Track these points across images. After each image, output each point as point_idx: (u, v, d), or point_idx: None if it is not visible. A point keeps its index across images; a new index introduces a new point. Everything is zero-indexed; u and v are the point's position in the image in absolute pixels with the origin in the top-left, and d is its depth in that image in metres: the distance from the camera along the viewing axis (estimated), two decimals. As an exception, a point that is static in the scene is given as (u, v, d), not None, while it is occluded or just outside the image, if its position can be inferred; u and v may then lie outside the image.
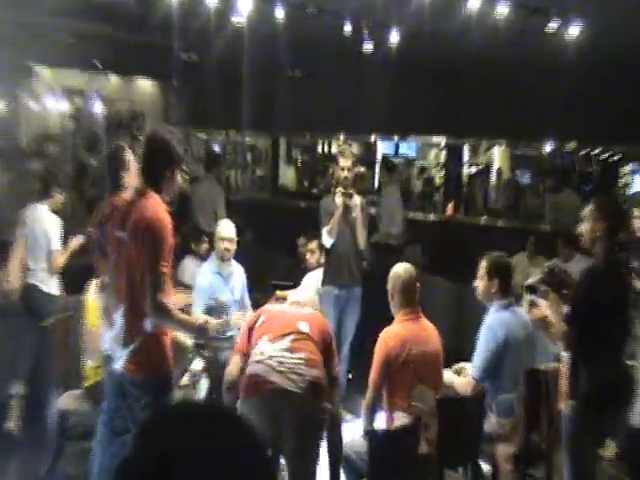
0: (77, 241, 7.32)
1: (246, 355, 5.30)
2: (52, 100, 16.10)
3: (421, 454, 4.64)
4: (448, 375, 5.80)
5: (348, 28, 10.65)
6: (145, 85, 18.01)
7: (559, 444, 6.03)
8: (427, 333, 5.54)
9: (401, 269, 5.74)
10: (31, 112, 15.51)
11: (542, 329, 7.50)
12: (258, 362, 5.04)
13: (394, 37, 10.85)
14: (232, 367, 5.35)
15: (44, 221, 7.22)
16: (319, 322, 5.42)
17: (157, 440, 1.23)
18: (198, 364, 6.63)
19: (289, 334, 5.18)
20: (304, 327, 5.26)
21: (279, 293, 8.56)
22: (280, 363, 4.96)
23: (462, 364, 5.88)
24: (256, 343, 5.27)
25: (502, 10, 8.81)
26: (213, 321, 6.10)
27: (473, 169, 18.32)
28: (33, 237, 7.20)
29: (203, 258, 8.41)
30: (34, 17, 11.71)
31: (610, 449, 5.44)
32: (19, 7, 10.93)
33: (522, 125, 13.14)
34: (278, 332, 5.22)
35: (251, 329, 5.47)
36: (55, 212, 7.38)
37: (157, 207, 4.52)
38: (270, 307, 5.74)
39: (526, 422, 5.45)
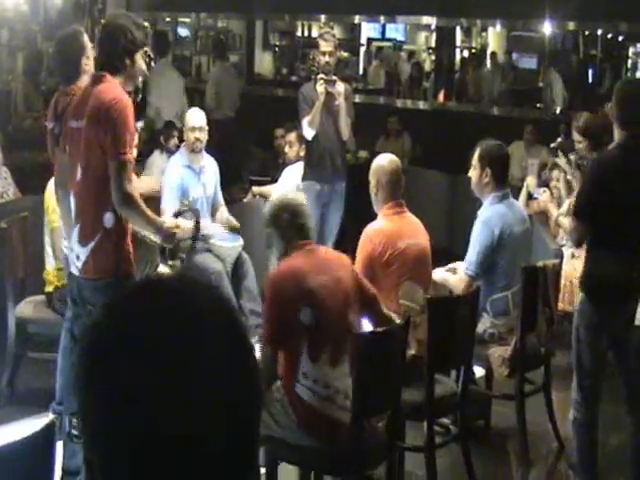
0: None
1: (279, 347, 4.42)
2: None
3: (410, 355, 4.62)
4: (441, 272, 5.76)
5: None
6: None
7: (558, 346, 6.08)
8: (413, 228, 5.48)
9: (385, 160, 5.63)
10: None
11: (541, 224, 7.52)
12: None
13: None
14: (264, 365, 4.26)
15: None
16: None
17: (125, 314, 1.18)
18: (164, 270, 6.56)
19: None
20: None
21: (255, 189, 8.50)
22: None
23: (457, 263, 5.85)
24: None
25: None
26: (184, 224, 6.05)
27: (466, 53, 18.10)
28: None
29: (172, 153, 8.30)
30: None
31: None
32: None
33: (519, 3, 12.89)
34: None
35: (285, 315, 4.38)
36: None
37: (116, 90, 4.44)
38: (309, 279, 4.39)
39: (523, 323, 5.43)
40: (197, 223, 6.51)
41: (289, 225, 4.50)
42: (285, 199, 4.70)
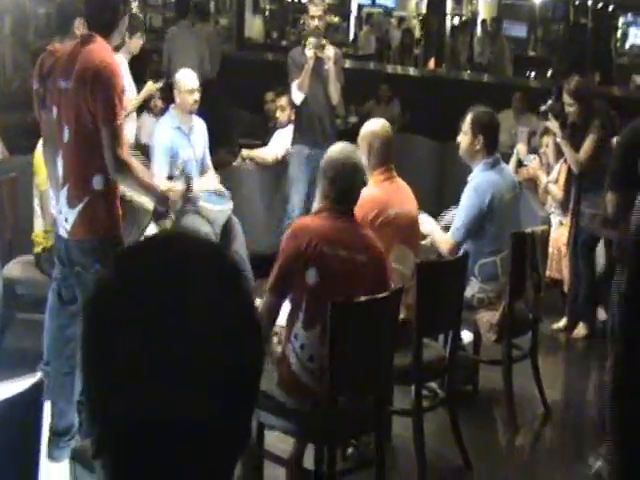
0: None
1: (281, 299, 4.39)
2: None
3: (399, 320, 4.60)
4: (431, 224, 5.69)
5: None
6: None
7: (545, 313, 6.09)
8: (403, 194, 5.44)
9: (377, 125, 5.56)
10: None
11: (530, 190, 7.52)
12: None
13: None
14: (265, 312, 4.31)
15: None
16: None
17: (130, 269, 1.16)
18: (153, 230, 6.52)
19: None
20: None
21: (245, 152, 8.46)
22: None
23: (448, 217, 5.84)
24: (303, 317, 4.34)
25: None
26: (176, 188, 6.01)
27: (456, 20, 18.05)
28: None
29: (157, 115, 8.27)
30: None
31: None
32: None
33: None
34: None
35: (292, 270, 4.32)
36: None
37: (105, 52, 4.38)
38: (324, 245, 4.31)
39: (511, 288, 5.44)
40: (188, 187, 6.50)
41: (335, 186, 4.41)
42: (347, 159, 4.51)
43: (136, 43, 7.72)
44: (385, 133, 5.49)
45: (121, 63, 7.29)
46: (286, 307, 4.44)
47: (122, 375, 1.08)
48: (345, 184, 4.41)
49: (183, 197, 6.33)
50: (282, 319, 4.45)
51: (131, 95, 7.21)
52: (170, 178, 6.68)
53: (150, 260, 1.13)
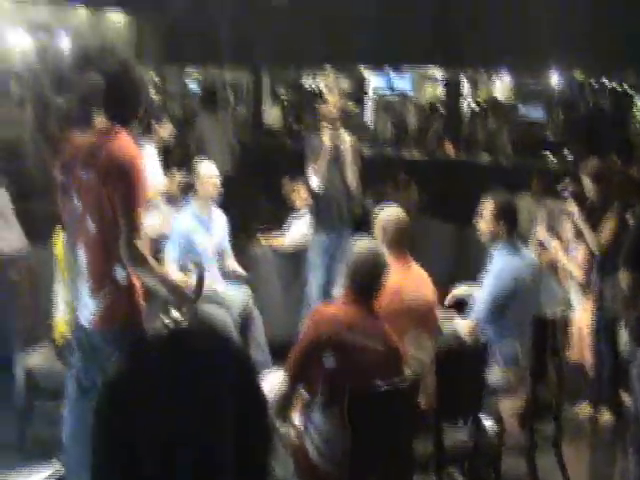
0: None
1: (298, 384, 4.48)
2: (15, 36, 15.91)
3: (418, 406, 4.58)
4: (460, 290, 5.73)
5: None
6: (116, 18, 17.79)
7: (568, 397, 6.04)
8: (419, 280, 5.46)
9: (390, 212, 5.63)
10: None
11: (551, 272, 7.52)
12: None
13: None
14: (281, 398, 4.44)
15: None
16: None
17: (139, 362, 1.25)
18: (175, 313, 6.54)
19: None
20: None
21: (263, 239, 8.53)
22: None
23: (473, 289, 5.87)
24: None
25: None
26: (189, 280, 6.00)
27: (473, 103, 18.22)
28: None
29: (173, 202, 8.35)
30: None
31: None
32: None
33: (525, 54, 13.00)
34: None
35: (311, 357, 4.42)
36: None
37: (126, 144, 4.45)
38: (343, 332, 4.45)
39: (532, 373, 5.41)
40: (200, 280, 6.52)
41: (357, 279, 4.54)
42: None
43: (164, 130, 7.87)
44: (398, 220, 5.54)
45: (149, 152, 7.46)
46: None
47: (130, 459, 1.10)
48: (368, 278, 4.56)
49: (195, 291, 6.34)
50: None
51: (158, 183, 7.31)
52: (184, 268, 6.71)
53: (163, 353, 1.16)
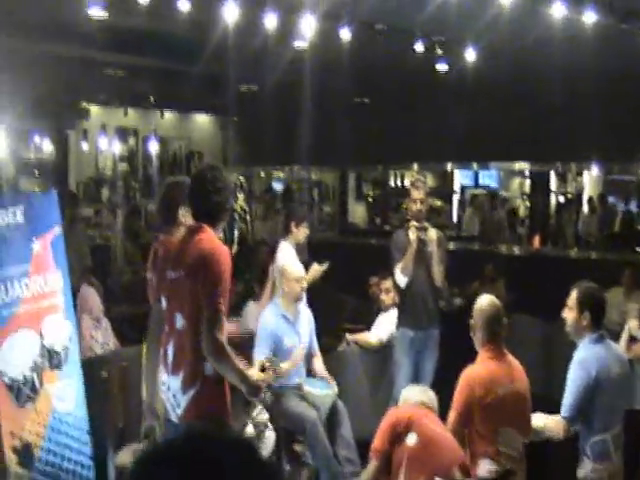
0: None
1: (385, 463, 5.05)
2: (104, 141, 16.48)
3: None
4: (538, 416, 5.74)
5: (420, 47, 10.62)
6: (202, 121, 18.31)
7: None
8: (513, 372, 5.52)
9: (486, 302, 5.74)
10: (82, 154, 15.90)
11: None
12: None
13: (470, 55, 10.78)
14: (369, 476, 5.11)
15: None
16: None
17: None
18: (262, 414, 6.68)
19: None
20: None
21: (349, 337, 8.63)
22: None
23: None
24: (404, 476, 4.90)
25: (586, 18, 8.68)
26: (267, 377, 6.13)
27: (561, 198, 18.22)
28: None
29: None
30: (83, 50, 11.94)
31: None
32: (67, 40, 11.16)
33: (614, 146, 13.03)
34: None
35: (395, 434, 5.13)
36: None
37: (213, 240, 4.66)
38: (423, 418, 5.21)
39: (625, 468, 5.38)
40: (275, 371, 6.65)
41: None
42: None
43: (302, 232, 8.16)
44: (492, 309, 5.64)
45: (287, 250, 7.78)
46: None
47: None
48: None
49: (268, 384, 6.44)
50: None
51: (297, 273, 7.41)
52: (264, 369, 6.82)
53: (174, 465, 1.25)
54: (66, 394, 5.90)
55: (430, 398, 5.30)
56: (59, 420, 5.79)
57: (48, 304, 5.90)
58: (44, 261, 5.89)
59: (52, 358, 5.86)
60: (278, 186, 19.80)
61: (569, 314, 5.76)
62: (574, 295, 5.76)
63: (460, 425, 5.31)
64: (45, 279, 5.87)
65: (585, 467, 5.49)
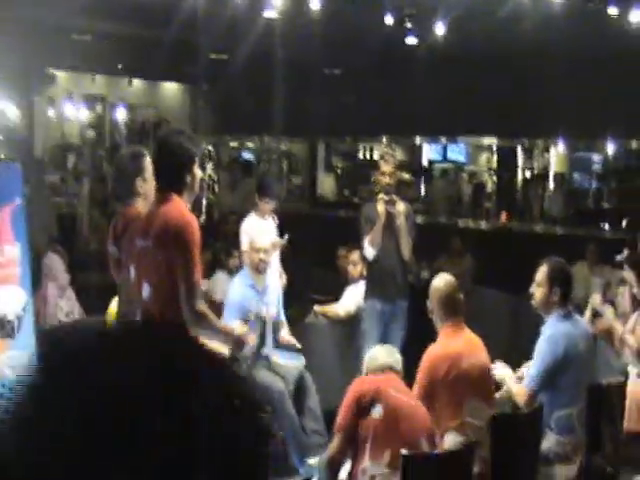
0: None
1: (351, 438, 4.90)
2: (71, 107, 16.34)
3: (475, 474, 4.66)
4: (502, 370, 5.75)
5: (390, 20, 10.61)
6: (172, 89, 18.19)
7: (627, 468, 6.03)
8: (473, 345, 5.58)
9: (441, 282, 5.79)
10: (48, 120, 15.75)
11: (606, 341, 7.53)
12: None
13: (440, 28, 10.78)
14: (334, 451, 4.95)
15: None
16: None
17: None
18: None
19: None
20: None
21: (317, 308, 8.64)
22: None
23: (524, 371, 5.89)
24: (369, 450, 4.79)
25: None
26: (250, 334, 6.19)
27: (528, 173, 18.29)
28: None
29: (234, 272, 8.48)
30: (50, 15, 11.78)
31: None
32: (34, 4, 11.01)
33: (581, 123, 13.09)
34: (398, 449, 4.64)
35: (360, 408, 4.94)
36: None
37: (182, 209, 4.60)
38: (389, 389, 5.01)
39: (588, 442, 5.44)
40: (262, 335, 6.66)
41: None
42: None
43: (266, 206, 7.97)
44: (449, 288, 5.69)
45: (251, 219, 7.73)
46: None
47: None
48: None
49: (255, 346, 6.48)
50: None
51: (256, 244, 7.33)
52: (246, 322, 6.83)
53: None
54: (17, 364, 5.85)
55: (397, 360, 5.29)
56: (9, 389, 5.74)
57: (3, 274, 5.85)
58: (2, 232, 5.83)
59: (4, 327, 5.82)
60: (247, 156, 19.76)
61: (538, 290, 5.78)
62: (544, 270, 5.78)
63: (423, 401, 5.32)
64: (2, 250, 5.82)
65: (549, 440, 5.54)
